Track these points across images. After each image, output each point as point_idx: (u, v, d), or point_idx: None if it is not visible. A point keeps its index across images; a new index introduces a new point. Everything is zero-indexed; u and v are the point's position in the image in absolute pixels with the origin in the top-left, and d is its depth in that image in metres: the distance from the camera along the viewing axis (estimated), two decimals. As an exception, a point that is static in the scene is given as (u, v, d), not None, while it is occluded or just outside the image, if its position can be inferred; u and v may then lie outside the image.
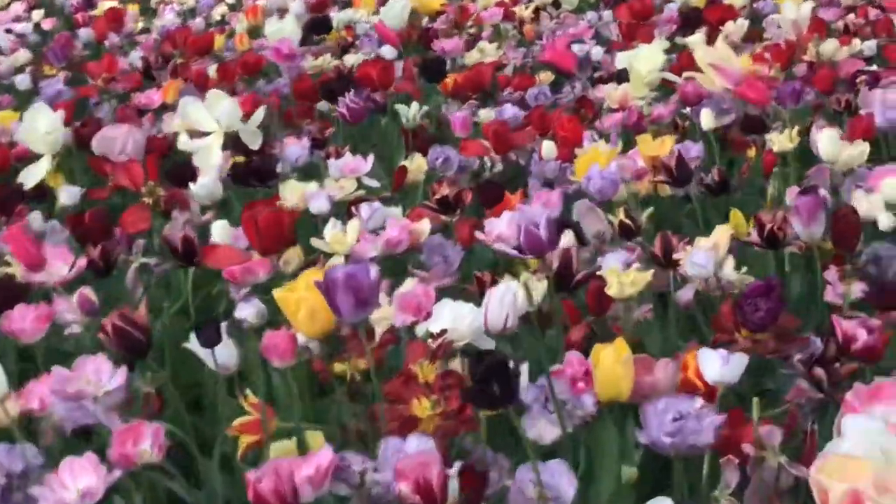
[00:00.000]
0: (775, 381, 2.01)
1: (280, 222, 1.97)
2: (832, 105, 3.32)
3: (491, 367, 1.21)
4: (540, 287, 1.91)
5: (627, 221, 2.45)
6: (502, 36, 4.35)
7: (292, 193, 2.48)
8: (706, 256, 2.05)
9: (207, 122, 2.54)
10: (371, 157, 2.69)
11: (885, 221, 2.45)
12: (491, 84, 3.63)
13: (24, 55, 4.84)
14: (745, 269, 2.13)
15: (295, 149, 2.79)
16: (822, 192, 2.59)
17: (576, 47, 4.07)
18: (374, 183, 2.69)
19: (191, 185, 2.40)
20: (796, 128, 2.75)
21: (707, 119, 2.84)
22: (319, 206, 2.44)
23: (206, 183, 2.41)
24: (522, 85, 3.64)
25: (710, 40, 4.12)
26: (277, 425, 1.65)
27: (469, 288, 2.17)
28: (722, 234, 2.12)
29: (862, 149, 2.70)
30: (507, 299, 1.66)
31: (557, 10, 4.79)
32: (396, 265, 2.30)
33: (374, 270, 1.51)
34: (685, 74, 2.95)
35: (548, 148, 2.85)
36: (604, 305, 1.94)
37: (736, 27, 4.06)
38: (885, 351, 1.78)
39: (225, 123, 2.55)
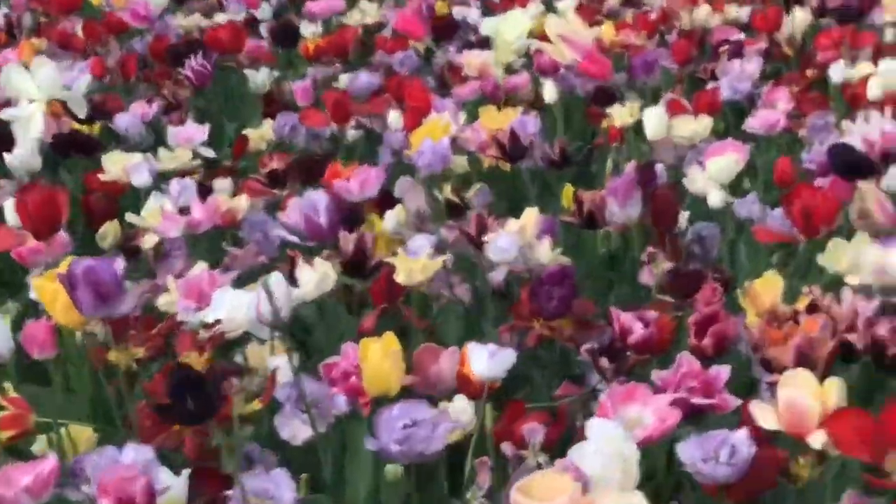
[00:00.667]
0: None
1: (54, 204, 1.90)
2: (696, 75, 3.30)
3: (183, 381, 1.17)
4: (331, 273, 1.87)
5: (455, 199, 2.41)
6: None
7: (114, 165, 2.42)
8: (510, 240, 2.01)
9: (30, 90, 2.47)
10: (207, 127, 2.63)
11: (714, 199, 2.43)
12: (360, 48, 3.57)
13: None
14: (559, 250, 2.10)
15: (125, 117, 2.72)
16: (659, 167, 2.58)
17: (456, 10, 4.03)
18: (209, 153, 2.63)
19: (6, 155, 2.34)
20: (637, 103, 2.72)
21: (550, 91, 2.80)
22: (141, 179, 2.38)
23: (22, 154, 2.34)
24: (395, 48, 3.58)
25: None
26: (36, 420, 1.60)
27: (281, 267, 2.12)
28: (529, 216, 2.09)
29: (705, 123, 2.68)
30: (278, 290, 1.62)
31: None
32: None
33: (118, 265, 1.46)
34: (536, 45, 2.90)
35: (394, 118, 2.80)
36: (394, 292, 1.90)
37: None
38: (667, 343, 1.76)
39: (46, 92, 2.48)
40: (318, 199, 1.91)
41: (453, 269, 2.12)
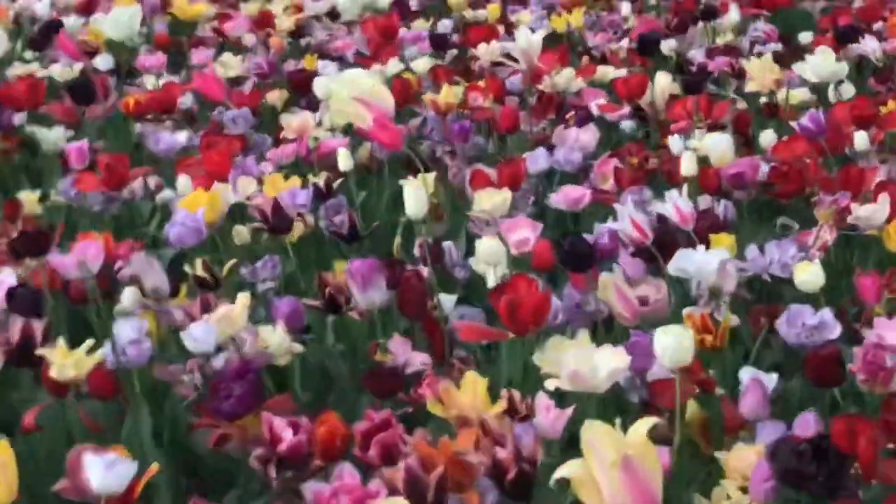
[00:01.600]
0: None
1: None
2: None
3: None
4: None
5: (204, 275, 2.24)
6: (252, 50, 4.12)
7: None
8: (206, 330, 1.84)
9: None
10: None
11: (490, 280, 2.25)
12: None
13: None
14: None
15: None
16: (449, 245, 2.42)
17: (320, 64, 3.87)
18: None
19: None
20: (432, 173, 2.56)
21: (343, 159, 2.62)
22: None
23: None
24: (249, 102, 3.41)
25: (462, 62, 3.95)
26: None
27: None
28: (242, 301, 1.91)
29: (504, 197, 2.50)
30: None
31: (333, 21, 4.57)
32: None
33: None
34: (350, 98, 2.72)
35: (182, 184, 2.63)
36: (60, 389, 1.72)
37: (488, 51, 3.84)
38: (335, 452, 1.57)
39: None
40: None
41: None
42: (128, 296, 2.11)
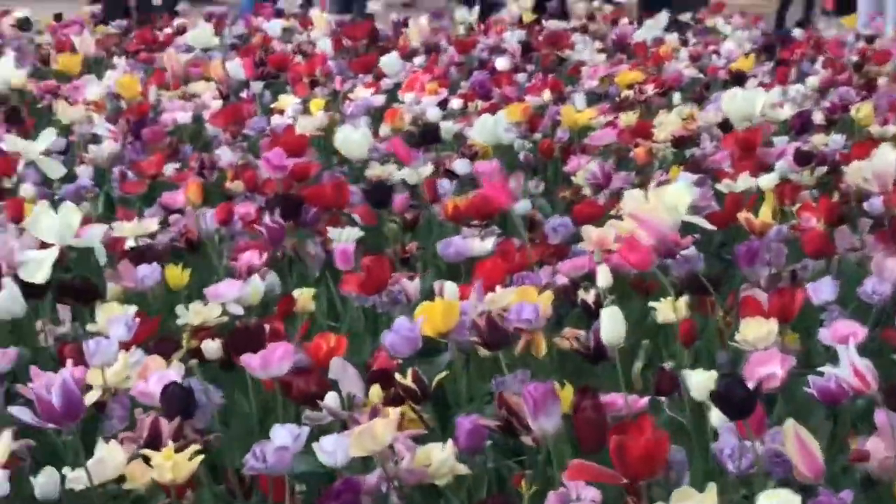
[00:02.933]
0: None
1: None
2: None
3: None
4: None
5: (412, 385, 2.16)
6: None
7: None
8: (337, 442, 1.76)
9: None
10: None
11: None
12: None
13: None
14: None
15: None
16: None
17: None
18: None
19: None
20: (683, 299, 2.37)
21: (603, 275, 2.47)
22: None
23: None
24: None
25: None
26: None
27: None
28: (391, 417, 1.83)
29: (769, 329, 2.27)
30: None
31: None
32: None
33: None
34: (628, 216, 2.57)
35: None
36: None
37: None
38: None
39: None
40: None
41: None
42: (330, 400, 2.08)
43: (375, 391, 2.13)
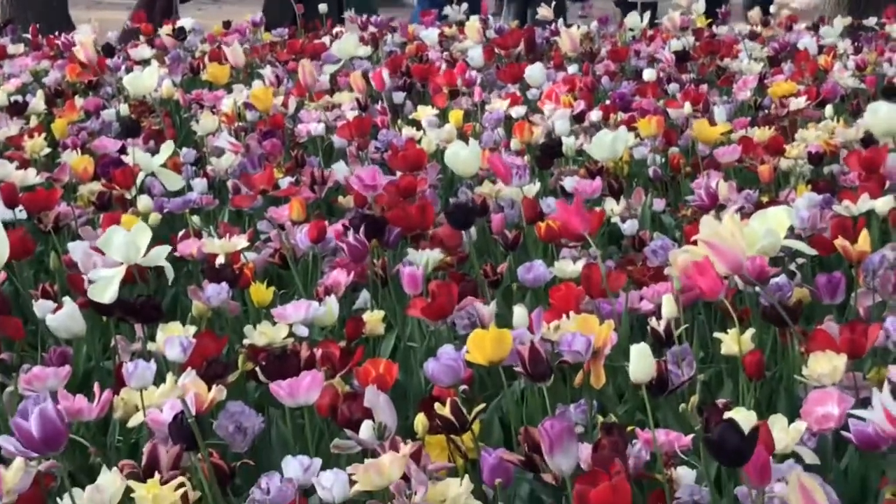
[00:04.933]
0: None
1: None
2: None
3: None
4: None
5: (450, 417, 2.11)
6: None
7: None
8: (334, 477, 1.73)
9: None
10: None
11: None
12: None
13: None
14: None
15: None
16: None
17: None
18: None
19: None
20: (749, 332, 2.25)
21: (668, 305, 2.39)
22: None
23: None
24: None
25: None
26: None
27: None
28: (402, 452, 1.78)
29: (836, 364, 2.15)
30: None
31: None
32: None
33: None
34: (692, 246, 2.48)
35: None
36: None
37: None
38: None
39: None
40: None
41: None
42: (364, 430, 2.06)
43: (420, 420, 2.11)
